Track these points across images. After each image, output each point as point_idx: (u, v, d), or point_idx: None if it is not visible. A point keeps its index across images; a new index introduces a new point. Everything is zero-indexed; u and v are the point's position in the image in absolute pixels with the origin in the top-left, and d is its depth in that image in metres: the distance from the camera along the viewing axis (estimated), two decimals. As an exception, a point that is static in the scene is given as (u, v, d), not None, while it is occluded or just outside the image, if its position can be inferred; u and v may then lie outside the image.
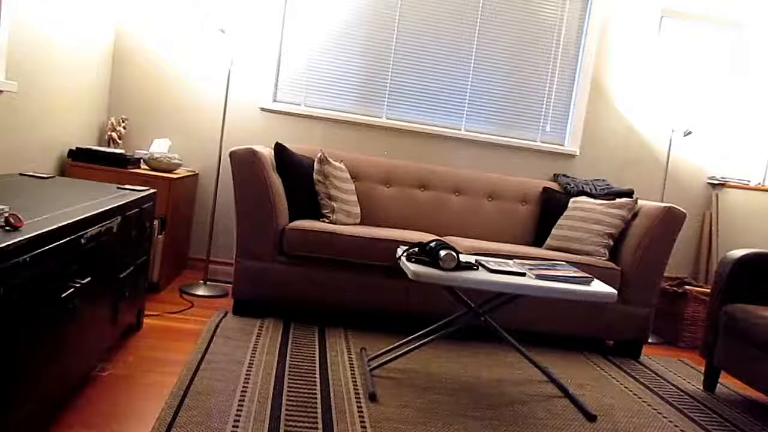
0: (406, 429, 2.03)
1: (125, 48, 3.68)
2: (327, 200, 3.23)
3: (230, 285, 3.08)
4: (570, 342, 3.17)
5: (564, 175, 3.89)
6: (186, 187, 3.51)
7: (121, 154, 3.28)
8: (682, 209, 3.17)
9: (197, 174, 3.75)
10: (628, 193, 3.57)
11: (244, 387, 2.17)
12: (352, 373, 2.44)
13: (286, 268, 2.98)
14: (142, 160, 3.41)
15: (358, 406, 2.15)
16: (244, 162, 2.95)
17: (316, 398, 2.16)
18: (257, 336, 2.72)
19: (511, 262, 2.59)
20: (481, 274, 2.31)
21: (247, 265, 2.97)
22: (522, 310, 2.98)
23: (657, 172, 4.02)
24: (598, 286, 2.40)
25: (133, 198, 2.29)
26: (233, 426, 1.88)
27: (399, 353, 2.52)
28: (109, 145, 3.53)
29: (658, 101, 3.95)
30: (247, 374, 2.29)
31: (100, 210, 1.91)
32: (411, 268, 2.28)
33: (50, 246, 1.51)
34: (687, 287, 3.60)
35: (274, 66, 3.80)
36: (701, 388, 2.83)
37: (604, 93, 4.03)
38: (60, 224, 1.58)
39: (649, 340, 3.27)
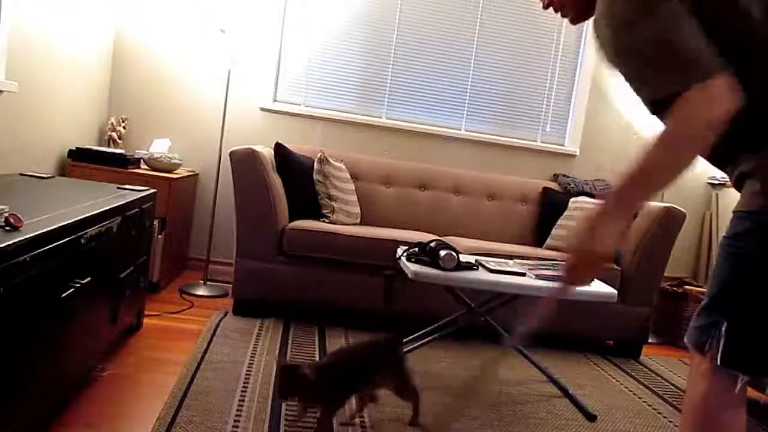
0: (406, 429, 2.03)
1: (125, 48, 3.68)
2: (327, 200, 3.23)
3: (230, 285, 3.08)
4: (570, 342, 3.17)
5: (564, 175, 3.89)
6: (186, 187, 3.51)
7: (121, 154, 3.28)
8: (682, 209, 3.16)
9: (197, 174, 3.75)
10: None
11: (244, 387, 2.17)
12: (352, 373, 2.44)
13: (286, 268, 2.97)
14: (142, 160, 3.40)
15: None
16: (244, 162, 2.95)
17: (316, 398, 2.16)
18: (257, 336, 2.72)
19: (511, 262, 2.59)
20: (481, 274, 2.31)
21: (247, 265, 2.97)
22: (522, 310, 2.97)
23: (657, 172, 4.01)
24: (598, 286, 2.40)
25: (133, 198, 2.29)
26: (233, 426, 1.88)
27: (399, 353, 2.51)
28: (109, 145, 3.53)
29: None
30: (247, 374, 2.29)
31: (100, 210, 1.91)
32: (411, 268, 2.28)
33: (50, 246, 1.51)
34: (687, 287, 3.60)
35: (274, 66, 3.80)
36: (701, 388, 2.82)
37: (604, 93, 4.02)
38: (60, 224, 1.58)
39: (649, 340, 3.27)
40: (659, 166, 1.13)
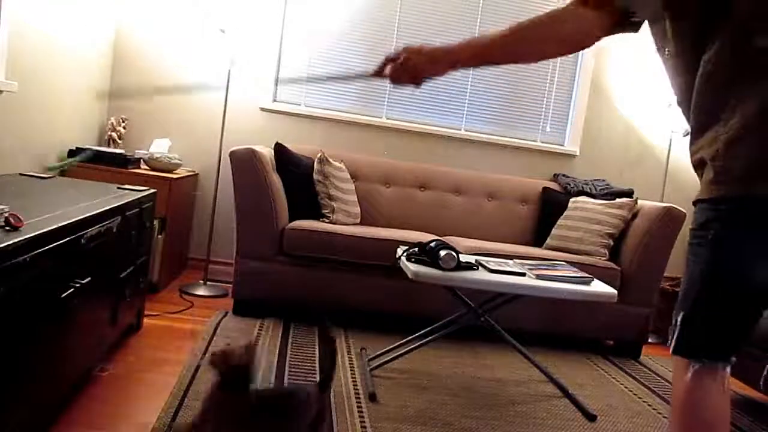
0: (406, 429, 2.03)
1: (125, 48, 3.68)
2: (327, 200, 3.23)
3: (230, 285, 3.08)
4: (570, 342, 3.17)
5: (564, 175, 3.89)
6: (186, 187, 3.51)
7: (121, 154, 3.28)
8: (682, 209, 3.16)
9: (197, 174, 3.75)
10: (628, 193, 3.57)
11: (244, 387, 2.17)
12: (352, 373, 2.44)
13: (286, 268, 2.97)
14: (142, 160, 3.40)
15: (358, 406, 2.14)
16: (244, 162, 2.95)
17: (316, 398, 2.16)
18: (257, 336, 2.72)
19: (511, 262, 2.59)
20: (481, 274, 2.31)
21: (247, 265, 2.97)
22: (522, 310, 2.98)
23: (657, 172, 4.02)
24: (598, 286, 2.40)
25: (133, 198, 2.29)
26: (233, 426, 1.88)
27: (399, 353, 2.52)
28: (109, 145, 3.53)
29: (658, 101, 3.95)
30: (247, 374, 2.28)
31: (100, 210, 1.91)
32: (411, 268, 2.28)
33: (50, 246, 1.51)
34: (687, 287, 3.59)
35: (274, 66, 3.80)
36: (701, 388, 2.82)
37: (604, 93, 4.02)
38: (60, 224, 1.58)
39: (649, 340, 3.27)
40: (515, 42, 1.40)
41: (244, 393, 1.42)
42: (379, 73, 1.41)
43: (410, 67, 1.37)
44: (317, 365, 2.48)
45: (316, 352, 2.64)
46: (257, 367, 1.49)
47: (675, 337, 1.20)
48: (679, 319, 1.18)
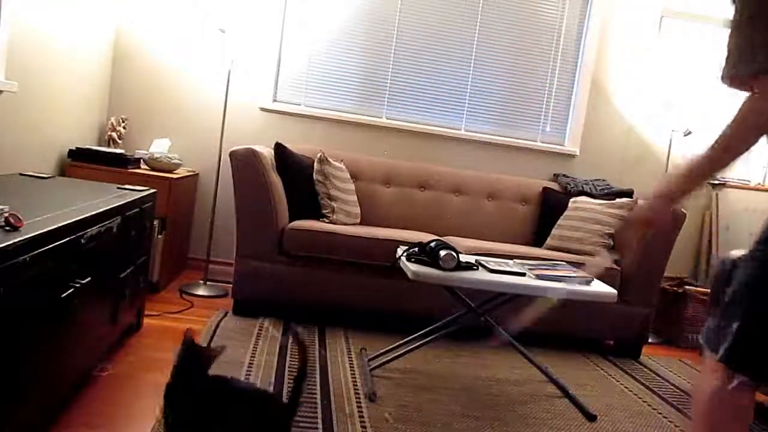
0: (406, 429, 2.03)
1: (125, 48, 3.68)
2: (327, 200, 3.23)
3: (230, 285, 3.08)
4: (570, 342, 3.17)
5: (564, 175, 3.89)
6: (186, 187, 3.51)
7: (121, 154, 3.28)
8: (682, 209, 3.16)
9: (197, 174, 3.75)
10: (628, 193, 3.57)
11: (244, 387, 2.17)
12: (352, 373, 2.44)
13: (286, 268, 2.97)
14: (142, 160, 3.40)
15: (358, 406, 2.14)
16: (244, 162, 2.95)
17: (316, 398, 2.16)
18: (257, 336, 2.72)
19: (511, 262, 2.59)
20: (481, 274, 2.31)
21: (247, 265, 2.97)
22: (522, 310, 2.97)
23: (657, 172, 4.02)
24: (598, 286, 2.40)
25: (133, 198, 2.29)
26: (233, 426, 1.88)
27: (399, 353, 2.52)
28: (109, 145, 3.53)
29: (658, 101, 3.95)
30: (247, 374, 2.29)
31: (100, 210, 1.91)
32: (411, 268, 2.28)
33: (50, 246, 1.51)
34: (687, 287, 3.60)
35: (274, 66, 3.79)
36: (701, 388, 2.82)
37: (604, 93, 4.02)
38: (60, 224, 1.58)
39: (649, 340, 3.27)
40: (725, 147, 1.32)
41: (191, 375, 1.54)
42: (634, 237, 1.61)
43: (656, 224, 1.55)
44: (317, 365, 2.48)
45: (316, 352, 2.64)
46: (211, 356, 1.58)
47: (729, 345, 1.18)
48: (734, 327, 1.17)
